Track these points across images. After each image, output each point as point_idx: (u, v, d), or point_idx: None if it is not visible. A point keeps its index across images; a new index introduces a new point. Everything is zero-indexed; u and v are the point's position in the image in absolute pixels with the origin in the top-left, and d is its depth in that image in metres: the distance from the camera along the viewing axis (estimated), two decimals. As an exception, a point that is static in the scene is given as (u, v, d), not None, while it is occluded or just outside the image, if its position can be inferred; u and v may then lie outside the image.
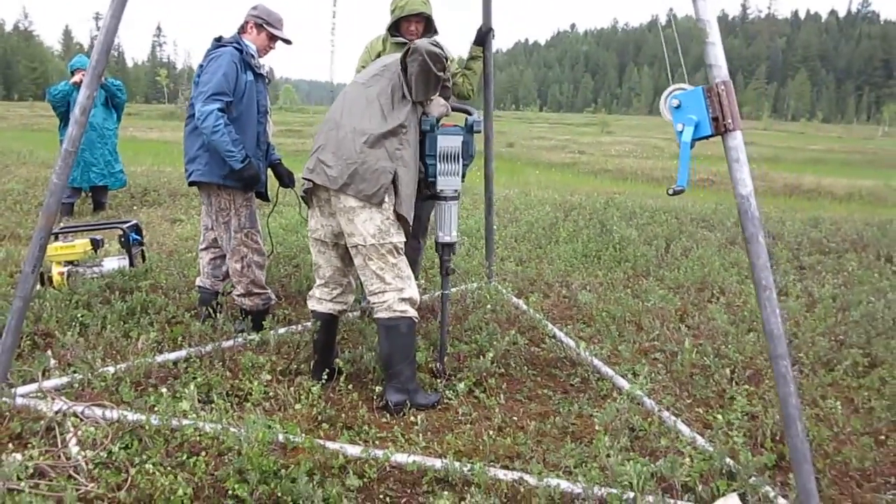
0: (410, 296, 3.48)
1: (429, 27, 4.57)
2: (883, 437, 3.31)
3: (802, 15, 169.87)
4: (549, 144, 30.94)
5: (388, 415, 3.40)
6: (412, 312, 3.48)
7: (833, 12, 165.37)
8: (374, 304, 3.50)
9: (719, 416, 3.22)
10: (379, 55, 4.57)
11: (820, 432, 3.26)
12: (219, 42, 4.23)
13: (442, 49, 3.43)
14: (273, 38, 4.37)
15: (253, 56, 4.23)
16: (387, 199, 3.38)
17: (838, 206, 12.81)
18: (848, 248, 7.26)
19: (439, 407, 3.52)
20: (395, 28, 4.57)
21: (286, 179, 4.66)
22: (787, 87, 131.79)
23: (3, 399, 3.21)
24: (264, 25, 4.30)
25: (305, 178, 3.52)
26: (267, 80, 4.42)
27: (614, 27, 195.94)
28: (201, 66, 4.13)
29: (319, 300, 3.73)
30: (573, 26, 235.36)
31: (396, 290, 3.44)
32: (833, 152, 32.36)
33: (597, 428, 3.17)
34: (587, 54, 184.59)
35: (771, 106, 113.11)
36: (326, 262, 3.67)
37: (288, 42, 4.44)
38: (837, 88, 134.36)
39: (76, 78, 8.09)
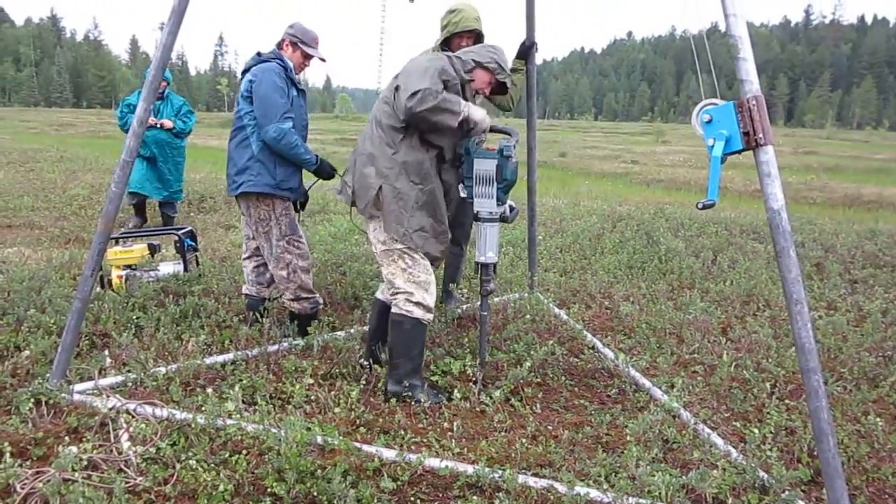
0: (420, 300, 3.65)
1: (478, 41, 4.62)
2: (924, 456, 3.25)
3: (869, 20, 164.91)
4: (602, 154, 30.72)
5: (424, 420, 3.49)
6: (418, 313, 3.65)
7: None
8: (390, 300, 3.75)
9: (755, 430, 3.21)
10: None
11: (859, 448, 3.22)
12: (260, 57, 4.39)
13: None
14: (308, 57, 4.53)
15: (294, 72, 4.40)
16: (378, 213, 3.66)
17: (899, 218, 12.42)
18: (904, 261, 7.07)
19: (474, 414, 3.58)
20: (444, 43, 4.63)
21: (328, 169, 4.73)
22: (853, 95, 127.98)
23: (62, 395, 3.40)
24: (299, 44, 4.46)
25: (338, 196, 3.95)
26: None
27: (672, 34, 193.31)
28: (250, 80, 4.26)
29: (382, 290, 3.95)
30: (630, 34, 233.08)
31: (406, 294, 3.66)
32: (899, 162, 31.34)
33: (628, 438, 3.20)
34: (644, 62, 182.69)
35: (835, 114, 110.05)
36: None
37: (322, 60, 4.63)
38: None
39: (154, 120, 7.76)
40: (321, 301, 4.63)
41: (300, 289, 4.43)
